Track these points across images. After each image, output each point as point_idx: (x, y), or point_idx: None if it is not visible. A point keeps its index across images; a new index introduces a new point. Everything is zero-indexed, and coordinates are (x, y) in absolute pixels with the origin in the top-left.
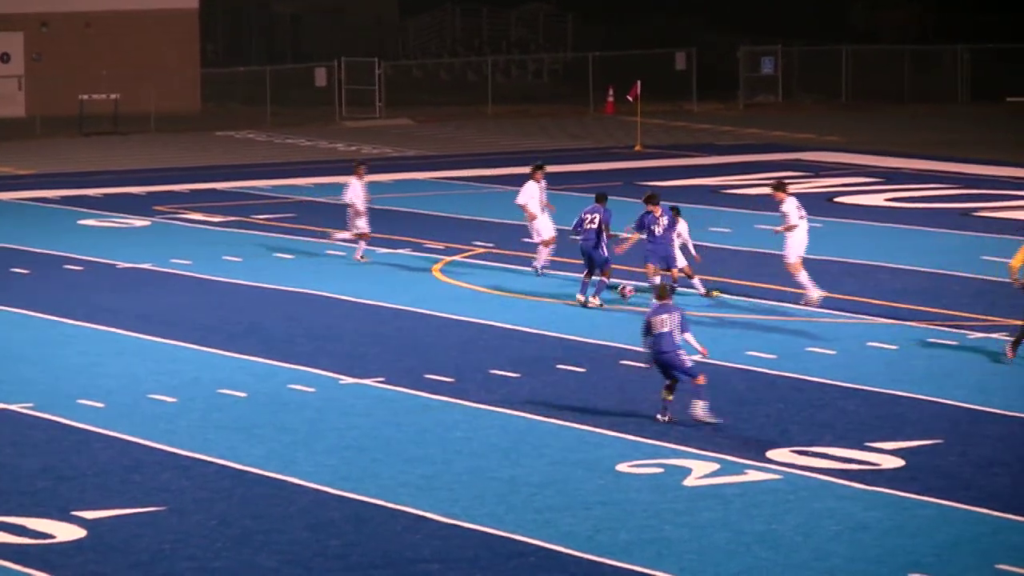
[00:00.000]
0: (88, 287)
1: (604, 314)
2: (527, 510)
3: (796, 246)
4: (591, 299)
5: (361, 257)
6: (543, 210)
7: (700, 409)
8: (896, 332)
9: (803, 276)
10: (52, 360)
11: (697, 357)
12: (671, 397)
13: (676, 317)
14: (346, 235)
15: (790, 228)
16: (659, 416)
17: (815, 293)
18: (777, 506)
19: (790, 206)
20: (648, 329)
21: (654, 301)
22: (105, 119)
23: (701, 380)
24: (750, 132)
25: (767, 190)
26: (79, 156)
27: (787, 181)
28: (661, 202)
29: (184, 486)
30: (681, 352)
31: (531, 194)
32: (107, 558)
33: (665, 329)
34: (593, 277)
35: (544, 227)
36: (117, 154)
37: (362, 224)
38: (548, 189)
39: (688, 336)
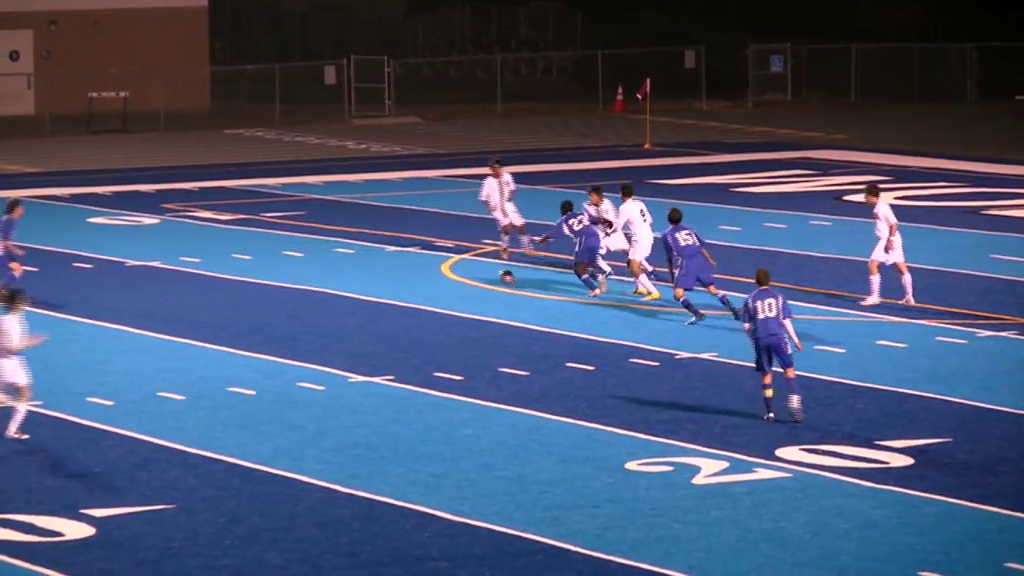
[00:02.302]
0: (96, 285)
1: (613, 312)
2: (536, 508)
3: (877, 248)
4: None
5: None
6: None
7: (796, 403)
8: (904, 330)
9: (875, 279)
10: (60, 358)
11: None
12: (771, 393)
13: (779, 302)
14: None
15: (893, 231)
16: (768, 416)
17: (872, 299)
18: (786, 504)
19: (883, 208)
20: (751, 314)
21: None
22: (114, 117)
23: (791, 373)
24: (759, 130)
25: (861, 196)
26: (88, 154)
27: (880, 185)
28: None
29: (192, 484)
30: (785, 337)
31: (629, 212)
32: (115, 556)
33: (771, 314)
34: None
35: (617, 240)
36: (126, 152)
37: (511, 217)
38: (557, 188)
39: (787, 323)
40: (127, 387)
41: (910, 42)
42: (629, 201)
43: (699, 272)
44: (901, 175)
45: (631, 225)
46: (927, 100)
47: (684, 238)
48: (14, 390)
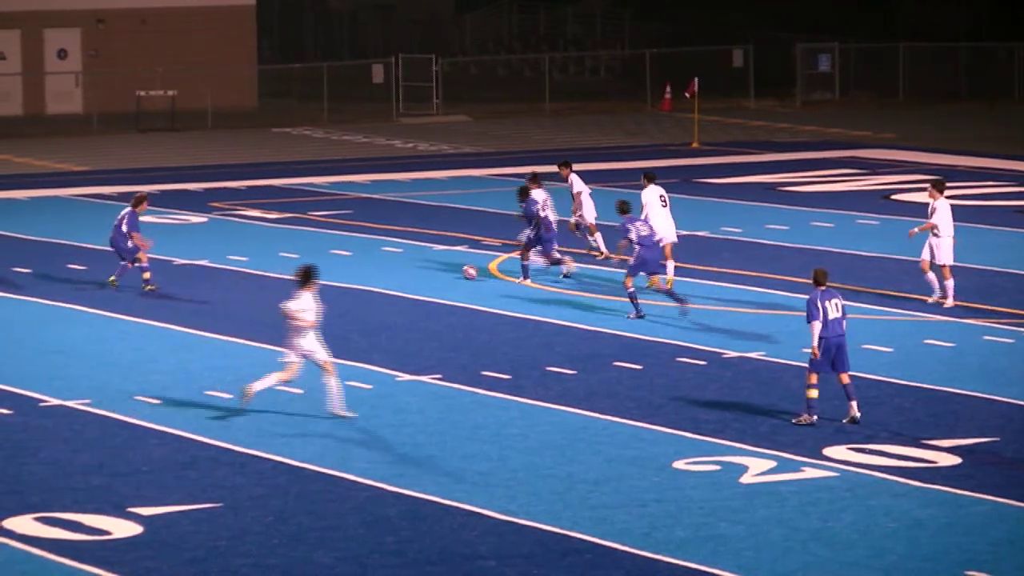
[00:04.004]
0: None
1: (660, 311)
2: (583, 507)
3: (938, 249)
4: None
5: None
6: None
7: (856, 408)
8: (952, 330)
9: (930, 277)
10: (107, 356)
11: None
12: (816, 394)
13: (841, 303)
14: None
15: (927, 227)
16: (806, 417)
17: (934, 298)
18: (833, 503)
19: (937, 205)
20: (821, 314)
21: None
22: (162, 115)
23: (847, 379)
24: (806, 129)
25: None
26: (136, 153)
27: (946, 182)
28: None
29: (240, 483)
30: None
31: (649, 197)
32: (163, 554)
33: (838, 314)
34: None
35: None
36: (174, 151)
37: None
38: (605, 187)
39: (844, 324)
40: (174, 385)
41: (958, 41)
42: (650, 187)
43: (652, 262)
44: (949, 174)
45: (647, 208)
46: (975, 99)
47: (641, 228)
48: (316, 366)
